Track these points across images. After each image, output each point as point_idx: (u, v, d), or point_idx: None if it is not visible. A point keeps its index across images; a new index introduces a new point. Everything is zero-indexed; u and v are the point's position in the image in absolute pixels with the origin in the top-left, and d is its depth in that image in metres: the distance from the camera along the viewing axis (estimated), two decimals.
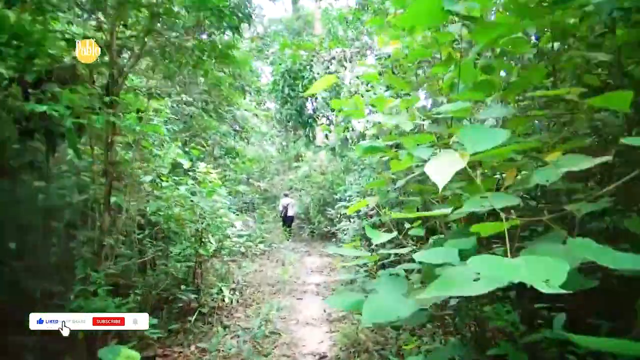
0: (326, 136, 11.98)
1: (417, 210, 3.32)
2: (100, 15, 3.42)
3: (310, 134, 13.53)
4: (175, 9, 3.35)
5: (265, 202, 15.16)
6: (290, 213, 12.34)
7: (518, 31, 1.76)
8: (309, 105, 12.56)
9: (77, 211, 3.18)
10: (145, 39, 3.12)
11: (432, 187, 2.46)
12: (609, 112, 1.72)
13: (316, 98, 11.19)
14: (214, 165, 7.23)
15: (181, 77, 4.24)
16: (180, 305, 4.72)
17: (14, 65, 2.94)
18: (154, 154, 4.88)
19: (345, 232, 8.44)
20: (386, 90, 4.84)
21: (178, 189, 4.84)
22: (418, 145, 1.88)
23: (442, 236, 2.19)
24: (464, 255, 1.38)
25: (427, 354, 3.14)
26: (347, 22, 9.41)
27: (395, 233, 1.61)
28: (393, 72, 4.59)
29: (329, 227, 11.77)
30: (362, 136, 6.91)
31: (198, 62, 3.41)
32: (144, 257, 4.24)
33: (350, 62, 7.26)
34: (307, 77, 10.67)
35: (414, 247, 1.77)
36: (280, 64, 11.51)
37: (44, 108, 2.72)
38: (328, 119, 11.23)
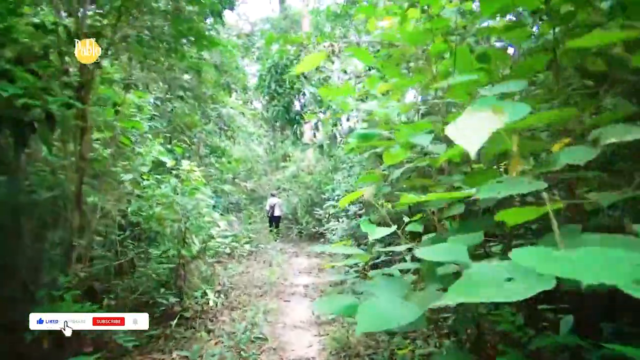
0: (314, 134, 11.81)
1: (410, 207, 3.18)
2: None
3: (298, 132, 13.33)
4: None
5: (253, 203, 14.93)
6: (277, 213, 12.13)
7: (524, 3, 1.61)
8: (296, 103, 12.37)
9: (46, 209, 2.94)
10: (119, 24, 2.91)
11: (429, 179, 2.32)
12: None
13: (304, 94, 11.01)
14: (199, 164, 7.02)
15: (160, 67, 4.00)
16: (163, 308, 4.50)
17: None
18: (136, 152, 4.67)
19: (333, 232, 8.30)
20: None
21: (160, 187, 4.63)
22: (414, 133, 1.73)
23: (435, 234, 2.05)
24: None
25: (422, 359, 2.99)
26: (335, 16, 9.24)
27: (394, 227, 1.44)
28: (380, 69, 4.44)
29: (317, 228, 11.61)
30: (351, 132, 6.76)
31: (175, 43, 3.20)
32: (122, 258, 4.00)
33: (339, 57, 7.12)
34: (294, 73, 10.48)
35: (411, 245, 1.60)
36: (267, 59, 11.30)
37: None
38: (316, 114, 11.07)
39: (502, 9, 1.61)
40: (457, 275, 1.38)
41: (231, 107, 9.82)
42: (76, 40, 2.86)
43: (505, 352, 1.66)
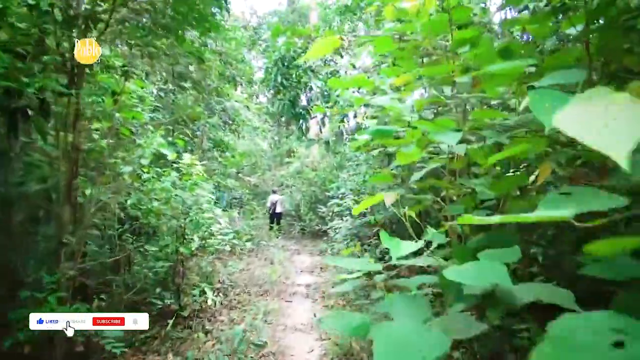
0: (320, 130, 11.60)
1: (419, 212, 2.97)
2: None
3: (304, 127, 13.11)
4: None
5: (256, 198, 14.75)
6: (278, 210, 11.97)
7: None
8: (303, 97, 12.15)
9: (35, 203, 2.77)
10: (116, 4, 2.73)
11: (446, 182, 2.13)
12: None
13: (311, 88, 10.79)
14: (202, 158, 6.84)
15: (161, 54, 3.81)
16: (159, 307, 4.33)
17: None
18: (137, 144, 4.49)
19: (337, 231, 8.10)
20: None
21: (160, 181, 4.46)
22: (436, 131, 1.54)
23: (456, 246, 1.85)
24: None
25: None
26: (344, 9, 8.97)
27: (421, 243, 1.25)
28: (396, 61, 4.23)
29: (320, 225, 11.43)
30: (359, 129, 6.56)
31: (176, 25, 3.00)
32: (117, 255, 3.84)
33: (348, 52, 6.92)
34: (301, 66, 10.25)
35: (437, 262, 1.41)
36: (273, 52, 11.07)
37: None
38: (325, 107, 10.86)
39: None
40: (487, 296, 1.19)
41: (236, 101, 9.62)
42: (73, 22, 2.68)
43: None
